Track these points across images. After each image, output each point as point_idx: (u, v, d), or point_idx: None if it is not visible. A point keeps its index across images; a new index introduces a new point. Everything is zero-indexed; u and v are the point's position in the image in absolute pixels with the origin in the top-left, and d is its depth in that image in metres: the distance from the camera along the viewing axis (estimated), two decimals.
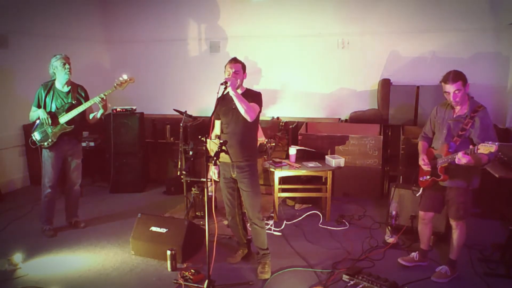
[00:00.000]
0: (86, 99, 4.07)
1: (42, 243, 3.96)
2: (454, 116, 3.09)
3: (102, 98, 3.90)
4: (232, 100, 3.22)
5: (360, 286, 3.13)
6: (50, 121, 3.93)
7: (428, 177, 3.22)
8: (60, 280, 3.32)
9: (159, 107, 6.80)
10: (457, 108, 3.07)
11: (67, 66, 3.94)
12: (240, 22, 6.52)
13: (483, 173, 3.71)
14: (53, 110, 3.99)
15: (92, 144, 5.54)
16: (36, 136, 4.01)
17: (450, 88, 2.97)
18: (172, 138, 5.99)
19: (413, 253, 3.53)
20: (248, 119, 3.12)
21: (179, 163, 4.66)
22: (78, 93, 4.09)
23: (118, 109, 5.59)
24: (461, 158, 2.82)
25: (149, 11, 6.91)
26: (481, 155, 2.80)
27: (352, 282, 3.17)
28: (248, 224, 3.55)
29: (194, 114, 5.21)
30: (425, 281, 3.25)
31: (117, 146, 5.56)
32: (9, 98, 5.52)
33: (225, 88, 3.10)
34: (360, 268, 3.34)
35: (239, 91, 3.27)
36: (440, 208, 3.33)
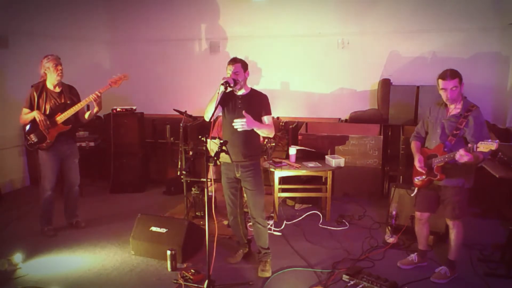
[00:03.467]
0: (78, 98, 4.07)
1: (42, 243, 3.96)
2: (448, 115, 3.11)
3: (97, 95, 3.89)
4: (237, 99, 3.26)
5: (360, 286, 3.13)
6: (48, 123, 3.91)
7: (423, 177, 3.22)
8: (60, 280, 3.32)
9: (159, 107, 6.79)
10: (451, 107, 3.09)
11: (59, 67, 3.91)
12: (240, 22, 6.52)
13: (483, 173, 3.72)
14: (47, 111, 3.96)
15: (92, 144, 5.53)
16: (33, 138, 3.96)
17: (447, 84, 2.99)
18: (172, 138, 5.97)
19: (412, 255, 3.53)
20: (272, 135, 3.35)
21: (179, 163, 4.66)
22: (70, 93, 4.07)
23: (118, 109, 5.59)
24: (463, 156, 2.82)
25: (149, 11, 6.90)
26: (478, 153, 2.82)
27: (352, 282, 3.17)
28: (250, 224, 3.55)
29: (194, 114, 5.20)
30: (425, 281, 3.25)
31: (117, 146, 5.56)
32: (9, 98, 5.52)
33: (226, 88, 3.11)
34: (360, 268, 3.34)
35: (243, 91, 3.29)
36: (436, 207, 3.33)
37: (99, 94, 3.90)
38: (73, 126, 4.11)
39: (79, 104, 3.96)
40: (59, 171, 4.16)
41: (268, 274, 3.34)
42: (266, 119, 3.33)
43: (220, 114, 3.36)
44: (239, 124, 3.09)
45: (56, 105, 3.98)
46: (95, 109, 4.01)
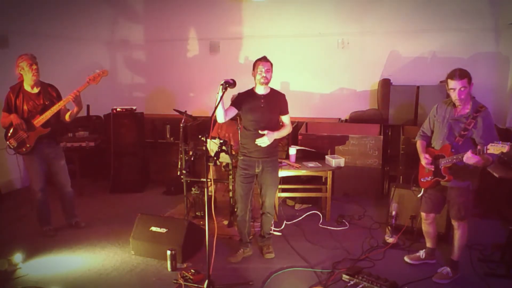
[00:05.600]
0: (58, 98, 3.89)
1: (42, 243, 3.96)
2: (456, 115, 3.03)
3: (75, 95, 3.72)
4: (260, 98, 3.41)
5: (360, 286, 3.13)
6: (24, 126, 3.76)
7: (430, 177, 3.17)
8: (60, 280, 3.32)
9: (159, 107, 6.80)
10: (459, 107, 3.01)
11: (34, 66, 3.72)
12: (240, 22, 6.53)
13: (483, 173, 3.72)
14: (25, 113, 3.79)
15: (92, 144, 5.53)
16: (13, 142, 3.80)
17: (456, 84, 2.91)
18: (172, 138, 5.99)
19: (420, 251, 3.52)
20: (290, 131, 3.66)
21: (179, 163, 4.66)
22: (49, 93, 3.87)
23: (118, 109, 5.59)
24: (470, 158, 2.75)
25: (149, 11, 6.91)
26: (488, 155, 2.73)
27: (352, 282, 3.17)
28: (258, 216, 3.63)
29: (194, 114, 5.21)
30: (425, 281, 3.25)
31: (117, 146, 5.56)
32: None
33: (225, 89, 3.12)
34: (360, 268, 3.34)
35: (265, 90, 3.44)
36: (441, 208, 3.32)
37: (77, 93, 3.74)
38: (55, 128, 3.94)
39: (56, 106, 3.78)
40: (46, 172, 4.03)
41: (273, 255, 3.66)
42: (284, 118, 3.57)
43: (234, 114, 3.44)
44: (261, 142, 3.32)
45: (35, 107, 3.81)
46: (75, 109, 3.85)
